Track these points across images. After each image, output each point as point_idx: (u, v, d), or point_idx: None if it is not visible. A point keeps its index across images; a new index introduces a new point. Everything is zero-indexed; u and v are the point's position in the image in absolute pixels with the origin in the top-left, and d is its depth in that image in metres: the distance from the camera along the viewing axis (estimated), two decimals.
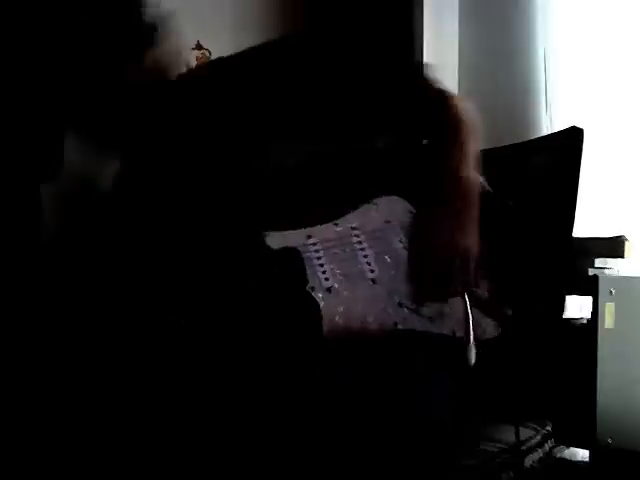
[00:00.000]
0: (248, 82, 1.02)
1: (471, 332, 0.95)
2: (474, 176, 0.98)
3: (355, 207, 0.97)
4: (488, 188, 1.04)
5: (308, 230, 0.93)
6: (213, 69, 1.11)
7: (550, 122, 2.28)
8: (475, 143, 1.01)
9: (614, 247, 1.72)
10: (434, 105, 1.02)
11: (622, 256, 1.70)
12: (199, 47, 2.45)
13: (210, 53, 2.48)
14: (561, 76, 2.28)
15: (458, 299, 0.97)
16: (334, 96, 1.01)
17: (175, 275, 0.94)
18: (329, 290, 0.91)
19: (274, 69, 1.02)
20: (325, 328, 0.88)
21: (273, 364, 0.91)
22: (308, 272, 0.91)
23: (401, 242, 0.97)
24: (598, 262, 1.62)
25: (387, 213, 0.98)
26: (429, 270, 0.95)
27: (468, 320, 0.96)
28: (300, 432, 0.90)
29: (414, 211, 0.99)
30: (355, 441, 0.90)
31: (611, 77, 2.16)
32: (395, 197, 1.00)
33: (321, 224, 0.94)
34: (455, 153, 0.98)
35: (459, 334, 0.95)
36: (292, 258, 0.91)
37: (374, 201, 0.98)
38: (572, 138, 1.30)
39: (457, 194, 0.97)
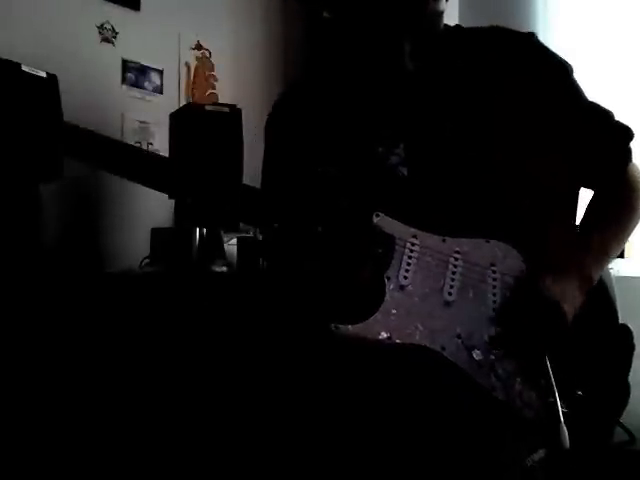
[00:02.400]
0: None
1: (559, 408, 0.91)
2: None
3: (471, 235, 0.97)
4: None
5: (417, 231, 0.95)
6: None
7: None
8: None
9: None
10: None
11: (622, 256, 1.70)
12: (199, 47, 2.46)
13: (210, 53, 2.49)
14: None
15: (527, 376, 0.94)
16: None
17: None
18: (401, 287, 0.92)
19: None
20: (378, 315, 0.90)
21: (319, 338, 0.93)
22: (394, 263, 0.92)
23: (493, 292, 0.96)
24: None
25: (496, 258, 0.98)
26: (523, 317, 0.94)
27: (552, 389, 0.92)
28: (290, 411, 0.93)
29: (524, 269, 0.98)
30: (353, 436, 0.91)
31: (611, 77, 2.16)
32: (512, 249, 0.99)
33: (433, 233, 0.95)
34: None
35: (496, 393, 0.93)
36: (387, 242, 0.93)
37: (491, 240, 0.98)
38: None
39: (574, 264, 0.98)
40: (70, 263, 1.83)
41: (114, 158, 0.93)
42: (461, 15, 2.52)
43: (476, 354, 0.94)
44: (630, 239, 1.71)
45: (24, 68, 1.59)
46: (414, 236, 0.95)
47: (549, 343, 0.94)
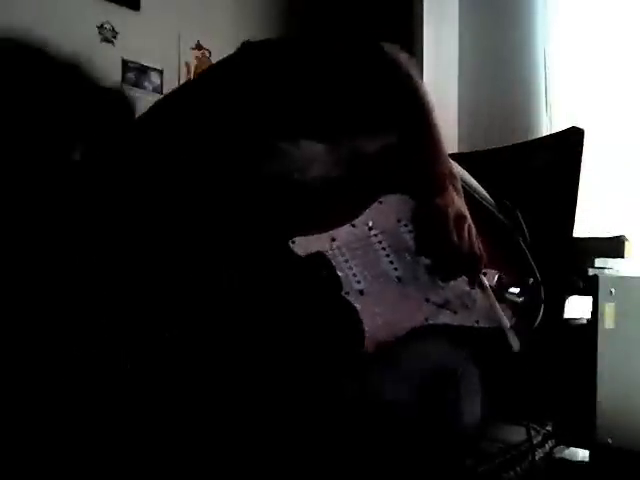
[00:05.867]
0: (247, 82, 1.00)
1: (503, 317, 0.95)
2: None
3: (365, 207, 0.96)
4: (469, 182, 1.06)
5: (330, 233, 0.91)
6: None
7: (550, 122, 2.28)
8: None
9: (614, 247, 1.72)
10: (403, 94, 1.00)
11: (622, 256, 1.70)
12: (199, 47, 2.46)
13: (210, 53, 2.48)
14: (561, 76, 2.29)
15: (477, 291, 0.97)
16: (322, 94, 0.98)
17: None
18: (361, 292, 0.88)
19: (270, 67, 0.99)
20: (367, 329, 0.84)
21: (318, 374, 0.87)
22: (340, 276, 0.88)
23: (414, 239, 0.97)
24: (598, 262, 1.61)
25: (396, 211, 0.97)
26: (440, 251, 0.94)
27: (495, 307, 0.96)
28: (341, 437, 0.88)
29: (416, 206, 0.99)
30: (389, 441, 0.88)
31: (611, 77, 2.16)
32: (398, 195, 0.99)
33: (339, 226, 0.92)
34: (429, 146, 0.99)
35: (482, 324, 0.94)
36: (322, 263, 0.88)
37: (380, 199, 0.98)
38: (572, 138, 1.30)
39: (443, 182, 0.98)
40: (69, 263, 1.83)
41: None
42: (461, 15, 2.52)
43: (450, 306, 0.94)
44: (630, 239, 1.70)
45: None
46: (333, 239, 0.91)
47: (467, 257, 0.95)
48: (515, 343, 0.95)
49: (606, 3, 2.24)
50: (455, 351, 0.93)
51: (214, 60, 2.48)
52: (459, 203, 0.97)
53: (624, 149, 2.12)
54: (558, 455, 1.41)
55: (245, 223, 0.91)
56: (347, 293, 0.87)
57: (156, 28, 2.26)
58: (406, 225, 0.98)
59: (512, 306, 1.00)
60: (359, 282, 0.89)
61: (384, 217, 0.96)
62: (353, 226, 0.94)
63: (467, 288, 0.97)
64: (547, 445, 1.31)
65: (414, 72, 1.00)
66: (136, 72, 2.22)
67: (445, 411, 0.90)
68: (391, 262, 0.93)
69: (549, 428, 1.35)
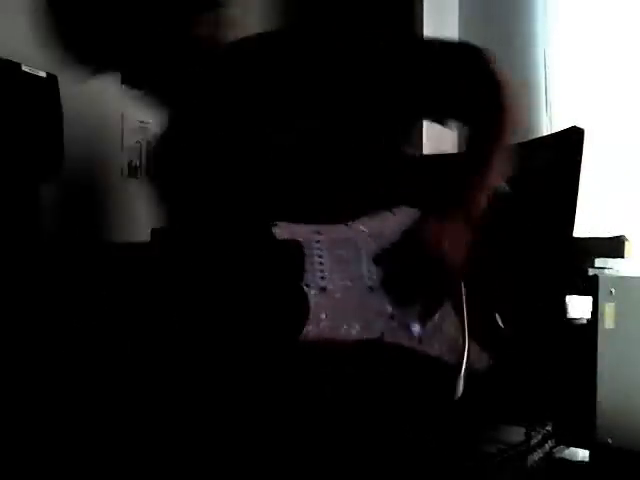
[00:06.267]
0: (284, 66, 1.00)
1: (464, 362, 0.92)
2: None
3: (373, 212, 0.95)
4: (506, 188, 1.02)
5: (319, 227, 0.91)
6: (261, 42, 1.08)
7: (550, 122, 2.28)
8: None
9: (614, 247, 1.72)
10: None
11: (622, 256, 1.70)
12: None
13: None
14: (561, 76, 2.29)
15: (453, 323, 0.94)
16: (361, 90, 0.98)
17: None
18: (323, 289, 0.89)
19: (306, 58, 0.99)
20: (309, 326, 0.86)
21: (253, 357, 0.90)
22: (307, 268, 0.89)
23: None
24: (598, 262, 1.61)
25: (406, 224, 0.95)
26: (414, 274, 0.92)
27: (463, 347, 0.92)
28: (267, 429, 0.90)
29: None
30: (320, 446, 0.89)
31: (611, 77, 2.16)
32: (416, 210, 0.96)
33: (335, 223, 0.92)
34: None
35: (447, 359, 0.92)
36: (293, 251, 0.89)
37: (394, 210, 0.96)
38: (572, 138, 1.30)
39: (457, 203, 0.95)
40: (70, 263, 1.83)
41: None
42: (461, 15, 2.52)
43: (415, 329, 0.91)
44: (630, 239, 1.70)
45: (24, 68, 1.59)
46: (317, 232, 0.92)
47: (445, 281, 0.93)
48: (458, 391, 0.92)
49: (606, 4, 2.24)
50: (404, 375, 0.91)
51: None
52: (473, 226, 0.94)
53: (624, 149, 2.12)
54: (558, 455, 1.41)
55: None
56: (307, 285, 0.89)
57: None
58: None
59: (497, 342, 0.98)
60: (323, 278, 0.90)
61: (387, 226, 0.95)
62: (346, 225, 0.93)
63: (441, 315, 0.94)
64: (547, 445, 1.31)
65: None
66: None
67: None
68: (369, 270, 0.92)
69: (549, 428, 1.35)
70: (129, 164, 2.19)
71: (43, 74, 1.64)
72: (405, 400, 0.91)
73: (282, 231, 0.90)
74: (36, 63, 1.65)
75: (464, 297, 0.95)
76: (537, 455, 1.17)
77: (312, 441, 0.89)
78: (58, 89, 1.67)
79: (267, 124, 0.97)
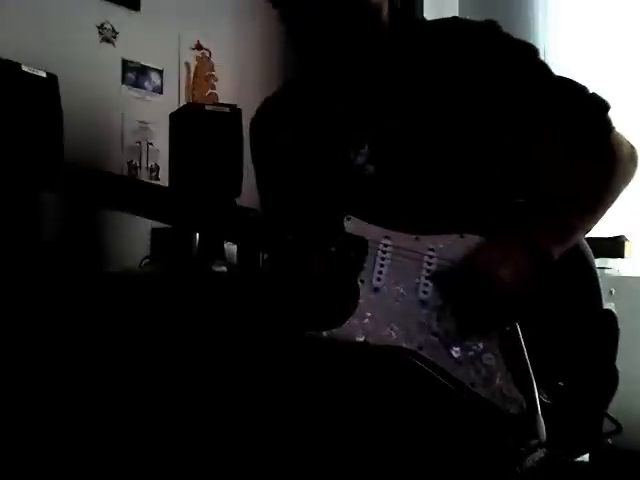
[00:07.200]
0: None
1: (537, 400, 0.90)
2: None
3: (445, 232, 0.95)
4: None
5: (389, 232, 0.94)
6: None
7: None
8: None
9: (614, 247, 1.72)
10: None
11: (622, 256, 1.70)
12: (199, 47, 2.46)
13: (210, 53, 2.48)
14: (561, 74, 2.28)
15: (496, 357, 0.92)
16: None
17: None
18: (375, 289, 0.92)
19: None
20: (354, 320, 0.90)
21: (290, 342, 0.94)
22: (367, 267, 0.93)
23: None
24: (598, 262, 1.61)
25: (471, 250, 0.94)
26: (465, 299, 0.92)
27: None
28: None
29: None
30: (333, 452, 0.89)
31: (611, 77, 2.16)
32: (484, 239, 0.95)
33: (406, 232, 0.95)
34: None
35: (477, 389, 0.90)
36: (358, 246, 0.93)
37: (466, 235, 0.96)
38: None
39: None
40: (70, 263, 1.83)
41: (116, 195, 0.95)
42: (460, 13, 2.52)
43: (455, 351, 0.92)
44: (630, 239, 1.70)
45: (24, 68, 1.60)
46: (386, 237, 0.95)
47: (493, 311, 0.91)
48: (542, 431, 0.91)
49: (606, 3, 2.24)
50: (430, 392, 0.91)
51: (214, 60, 2.48)
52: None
53: None
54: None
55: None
56: (362, 281, 0.93)
57: (156, 28, 2.26)
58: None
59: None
60: (379, 280, 0.93)
61: (453, 249, 0.95)
62: (416, 239, 0.95)
63: (484, 346, 0.93)
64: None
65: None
66: (136, 72, 2.22)
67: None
68: (426, 285, 0.94)
69: None
70: (129, 164, 2.20)
71: (43, 74, 1.64)
72: (421, 418, 0.91)
73: (353, 226, 0.94)
74: (36, 63, 1.66)
75: (520, 335, 0.93)
76: (537, 455, 1.17)
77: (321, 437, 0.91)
78: (58, 89, 1.67)
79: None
